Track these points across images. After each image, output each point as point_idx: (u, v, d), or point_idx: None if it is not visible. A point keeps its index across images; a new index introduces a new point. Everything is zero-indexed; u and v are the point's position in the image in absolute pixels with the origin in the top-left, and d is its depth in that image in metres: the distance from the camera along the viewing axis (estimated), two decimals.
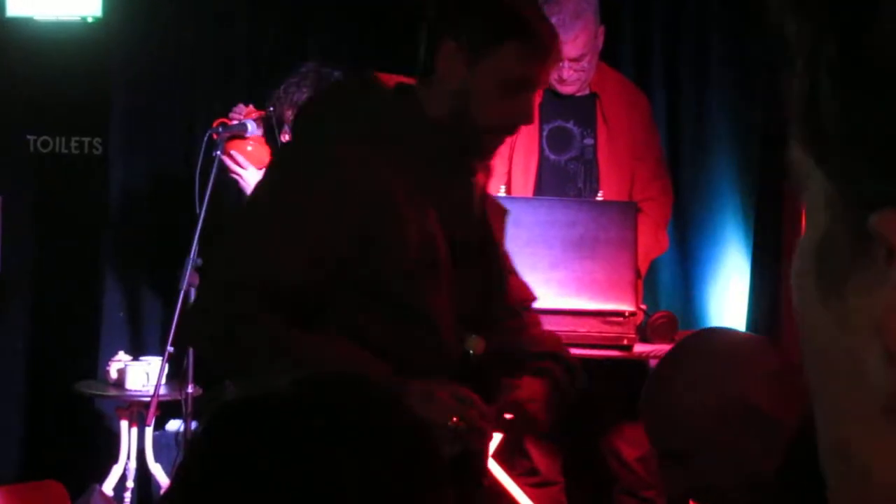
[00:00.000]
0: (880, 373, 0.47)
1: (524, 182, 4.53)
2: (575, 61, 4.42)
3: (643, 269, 4.54)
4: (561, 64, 4.42)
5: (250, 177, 4.29)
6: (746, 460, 1.84)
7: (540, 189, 4.54)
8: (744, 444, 1.84)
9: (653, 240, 4.52)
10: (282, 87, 4.31)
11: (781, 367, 1.92)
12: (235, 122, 4.28)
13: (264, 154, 4.32)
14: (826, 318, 0.50)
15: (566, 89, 4.50)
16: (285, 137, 4.31)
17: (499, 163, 4.56)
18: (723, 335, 2.01)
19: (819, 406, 0.52)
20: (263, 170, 4.30)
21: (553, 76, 4.45)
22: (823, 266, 0.50)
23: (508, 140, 4.55)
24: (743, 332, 2.00)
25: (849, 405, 0.49)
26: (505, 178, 4.53)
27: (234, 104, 4.41)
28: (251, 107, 4.34)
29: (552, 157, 4.58)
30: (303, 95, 4.25)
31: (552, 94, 4.54)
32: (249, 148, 4.28)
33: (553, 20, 4.34)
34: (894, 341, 0.46)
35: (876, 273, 0.47)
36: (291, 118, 4.27)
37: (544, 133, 4.58)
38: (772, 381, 1.88)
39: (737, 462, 1.85)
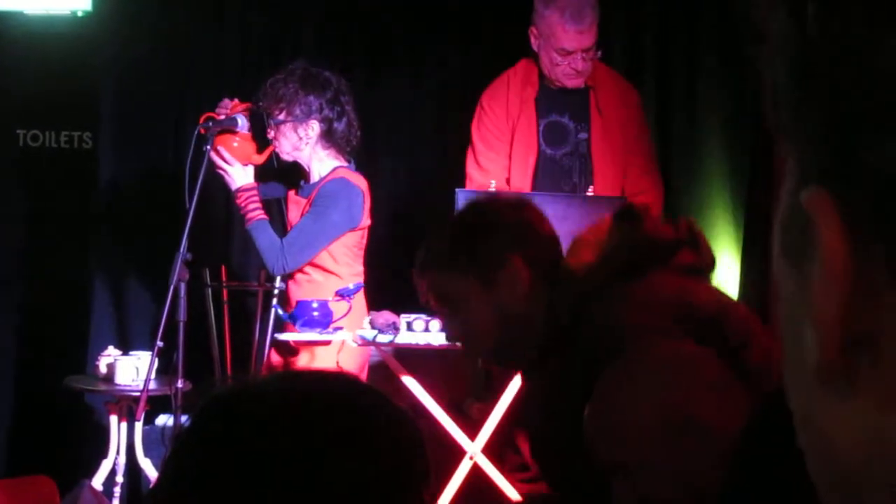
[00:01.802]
0: (811, 343, 0.49)
1: (522, 176, 4.53)
2: (587, 51, 4.42)
3: None
4: (574, 55, 4.42)
5: (236, 173, 4.28)
6: (689, 471, 1.83)
7: (537, 183, 4.54)
8: (686, 455, 1.83)
9: None
10: (268, 83, 4.30)
11: (722, 377, 1.91)
12: (222, 116, 4.27)
13: (250, 150, 4.30)
14: (790, 287, 0.52)
15: (575, 82, 4.50)
16: (271, 134, 4.30)
17: (498, 156, 4.56)
18: (665, 348, 2.00)
19: (788, 374, 0.53)
20: (248, 166, 4.31)
21: (565, 70, 4.45)
22: (786, 234, 0.52)
23: (509, 133, 4.58)
24: (685, 344, 1.97)
25: (809, 374, 0.50)
26: (505, 173, 4.53)
27: (231, 98, 4.40)
28: (236, 101, 4.33)
29: (548, 151, 4.58)
30: (289, 91, 4.24)
31: (549, 88, 4.54)
32: (235, 144, 4.26)
33: (567, 13, 4.37)
34: (817, 314, 0.48)
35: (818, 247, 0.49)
36: (276, 114, 4.27)
37: (541, 127, 4.58)
38: (712, 392, 1.87)
39: (679, 473, 1.84)
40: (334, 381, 1.26)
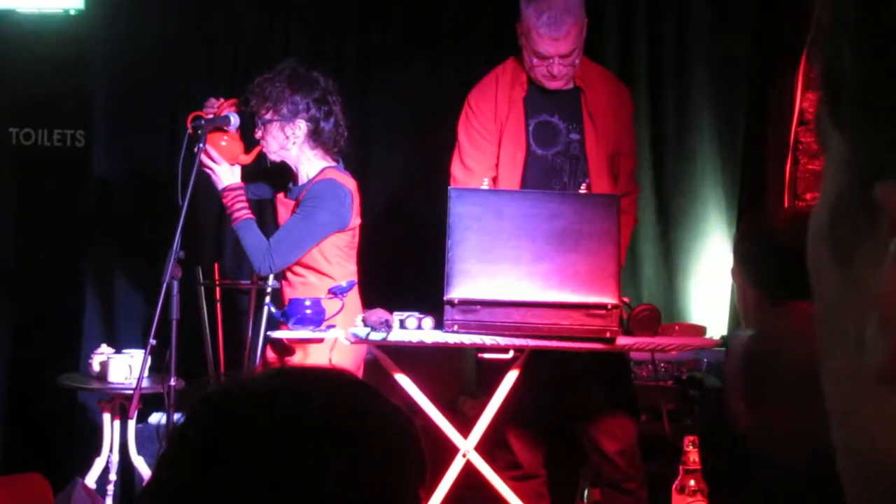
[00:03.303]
0: (876, 343, 0.47)
1: (511, 176, 4.53)
2: (565, 57, 4.42)
3: (622, 261, 4.56)
4: (550, 60, 4.42)
5: (222, 172, 4.27)
6: None
7: (526, 183, 4.53)
8: None
9: (628, 233, 4.57)
10: (256, 82, 4.29)
11: None
12: (210, 115, 4.26)
13: (237, 149, 4.29)
14: (836, 279, 0.50)
15: (554, 84, 4.49)
16: (259, 133, 4.29)
17: (483, 155, 4.56)
18: None
19: (827, 367, 0.52)
20: (235, 166, 4.30)
21: (542, 71, 4.45)
22: (836, 229, 0.50)
23: (497, 133, 4.58)
24: None
25: (853, 369, 0.49)
26: (493, 172, 4.53)
27: (217, 97, 4.40)
28: (222, 99, 4.32)
29: (538, 151, 4.58)
30: (276, 90, 4.23)
31: (537, 88, 4.53)
32: (223, 143, 4.26)
33: (544, 17, 4.37)
34: (887, 314, 0.46)
35: (881, 243, 0.47)
36: (264, 113, 4.26)
37: (530, 127, 4.57)
38: None
39: None
40: (329, 377, 1.26)
